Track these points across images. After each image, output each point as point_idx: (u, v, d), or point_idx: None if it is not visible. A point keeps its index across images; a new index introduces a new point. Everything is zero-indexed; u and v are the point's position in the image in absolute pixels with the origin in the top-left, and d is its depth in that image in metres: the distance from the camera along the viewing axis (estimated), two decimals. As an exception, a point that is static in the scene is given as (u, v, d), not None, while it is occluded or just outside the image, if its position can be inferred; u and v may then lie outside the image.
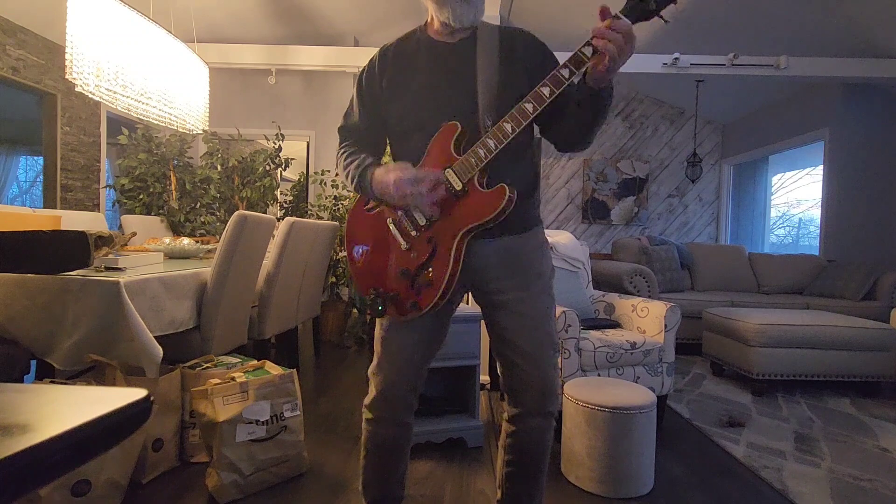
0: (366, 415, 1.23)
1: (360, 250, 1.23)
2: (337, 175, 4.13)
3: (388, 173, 1.08)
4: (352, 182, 1.17)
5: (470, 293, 1.24)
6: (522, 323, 1.14)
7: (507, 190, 1.03)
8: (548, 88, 1.00)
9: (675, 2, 0.95)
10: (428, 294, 1.10)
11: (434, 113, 1.11)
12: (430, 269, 1.10)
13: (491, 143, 1.03)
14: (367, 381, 1.23)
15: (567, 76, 0.99)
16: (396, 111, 1.16)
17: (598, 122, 1.07)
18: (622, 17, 0.95)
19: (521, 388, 1.16)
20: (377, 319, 1.21)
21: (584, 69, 0.99)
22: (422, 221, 1.11)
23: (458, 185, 1.07)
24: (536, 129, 1.18)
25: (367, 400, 1.23)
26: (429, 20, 1.17)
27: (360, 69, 1.23)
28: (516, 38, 1.15)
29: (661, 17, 0.98)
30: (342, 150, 1.24)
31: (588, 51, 0.96)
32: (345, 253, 3.85)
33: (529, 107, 1.01)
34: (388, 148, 1.27)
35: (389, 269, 1.16)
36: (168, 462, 1.76)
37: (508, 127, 1.02)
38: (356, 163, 1.17)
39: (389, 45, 1.20)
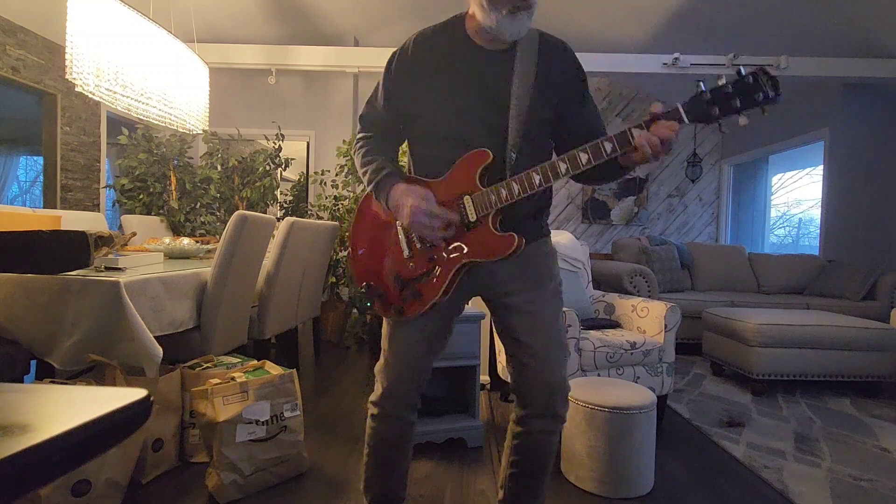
0: (371, 410, 1.23)
1: (363, 240, 1.23)
2: (337, 175, 4.15)
3: (408, 196, 1.06)
4: (367, 184, 1.16)
5: (480, 297, 1.24)
6: (533, 323, 1.14)
7: (517, 240, 1.04)
8: (586, 156, 0.99)
9: (739, 114, 0.91)
10: (414, 305, 1.12)
11: (463, 127, 1.09)
12: (424, 284, 1.11)
13: (515, 188, 1.03)
14: (367, 380, 1.24)
15: (609, 151, 0.97)
16: (424, 113, 1.13)
17: (609, 181, 1.13)
18: (681, 113, 0.92)
19: (529, 388, 1.16)
20: (384, 318, 1.22)
21: (626, 149, 0.98)
22: (419, 241, 1.12)
23: (472, 217, 1.07)
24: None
25: (372, 396, 1.23)
26: (468, 15, 1.11)
27: (392, 55, 1.17)
28: (555, 57, 1.13)
29: (720, 127, 0.95)
30: (361, 144, 1.21)
31: (638, 131, 0.94)
32: (345, 253, 3.88)
33: (563, 166, 1.01)
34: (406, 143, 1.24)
35: (386, 267, 1.17)
36: (168, 462, 1.76)
37: (537, 179, 1.02)
38: (374, 166, 1.15)
39: (427, 35, 1.14)
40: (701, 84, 0.92)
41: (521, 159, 1.09)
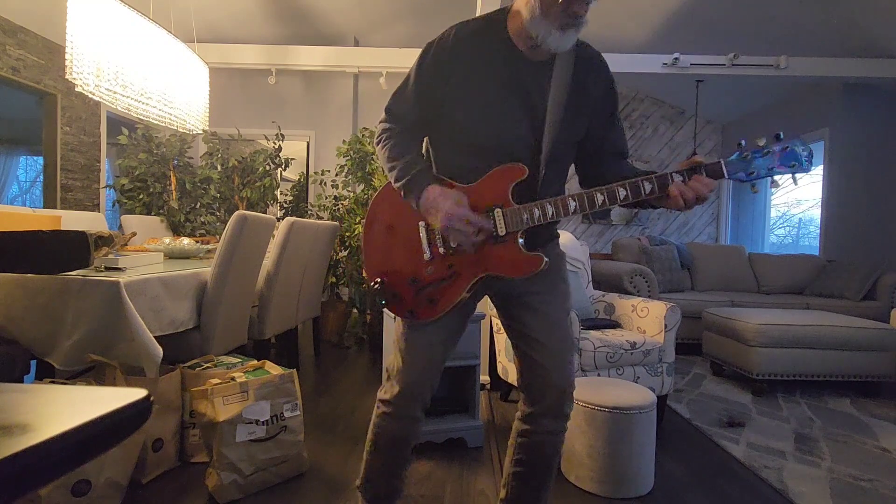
0: (382, 409, 1.21)
1: (380, 234, 1.19)
2: (337, 175, 4.15)
3: (444, 199, 1.03)
4: (394, 181, 1.11)
5: (488, 296, 1.24)
6: (546, 321, 1.15)
7: (542, 263, 1.04)
8: (624, 192, 1.00)
9: (773, 177, 0.97)
10: (428, 311, 1.12)
11: (501, 138, 1.07)
12: (440, 291, 1.11)
13: (550, 210, 1.03)
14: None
15: (647, 191, 0.99)
16: (460, 117, 1.08)
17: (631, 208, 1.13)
18: (722, 168, 0.96)
19: (540, 386, 1.15)
20: (396, 318, 1.21)
21: (662, 192, 1.00)
22: (453, 244, 1.10)
23: (501, 231, 1.06)
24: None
25: (384, 395, 1.21)
26: (512, 13, 1.06)
27: (427, 46, 1.10)
28: (591, 72, 1.11)
29: (753, 186, 1.00)
30: (387, 136, 1.15)
31: (678, 178, 0.97)
32: (345, 253, 3.88)
33: (600, 198, 1.01)
34: (428, 140, 1.20)
35: (402, 268, 1.15)
36: (168, 462, 1.76)
37: (572, 206, 1.03)
38: (404, 162, 1.10)
39: (470, 31, 1.08)
40: (742, 143, 0.97)
41: (549, 175, 1.08)
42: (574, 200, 1.02)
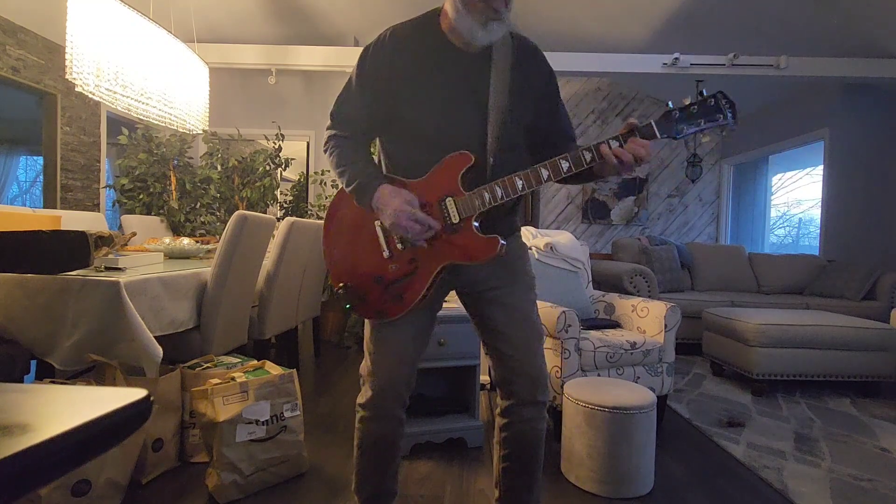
0: (360, 413, 1.23)
1: (338, 241, 1.21)
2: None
3: (393, 197, 1.06)
4: (346, 185, 1.14)
5: (455, 291, 1.26)
6: (513, 314, 1.18)
7: (499, 245, 1.06)
8: (567, 164, 1.03)
9: (703, 132, 1.02)
10: (395, 308, 1.13)
11: (447, 129, 1.10)
12: (405, 286, 1.12)
13: (499, 192, 1.05)
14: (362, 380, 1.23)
15: (588, 160, 1.02)
16: (407, 113, 1.11)
17: (579, 184, 1.15)
18: (653, 129, 1.00)
19: (512, 377, 1.19)
20: (366, 320, 1.22)
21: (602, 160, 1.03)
22: (399, 245, 1.12)
23: (455, 219, 1.08)
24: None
25: (361, 399, 1.22)
26: (442, 12, 1.10)
27: (364, 49, 1.13)
28: (530, 61, 1.15)
29: (686, 143, 1.09)
30: (335, 143, 1.16)
31: (615, 144, 1.00)
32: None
33: (545, 173, 1.04)
34: (377, 140, 1.22)
35: (365, 269, 1.16)
36: (168, 462, 1.76)
37: (520, 184, 1.05)
38: (356, 168, 1.12)
39: (404, 31, 1.12)
40: (670, 103, 1.02)
41: (499, 162, 1.10)
42: (521, 179, 1.05)
